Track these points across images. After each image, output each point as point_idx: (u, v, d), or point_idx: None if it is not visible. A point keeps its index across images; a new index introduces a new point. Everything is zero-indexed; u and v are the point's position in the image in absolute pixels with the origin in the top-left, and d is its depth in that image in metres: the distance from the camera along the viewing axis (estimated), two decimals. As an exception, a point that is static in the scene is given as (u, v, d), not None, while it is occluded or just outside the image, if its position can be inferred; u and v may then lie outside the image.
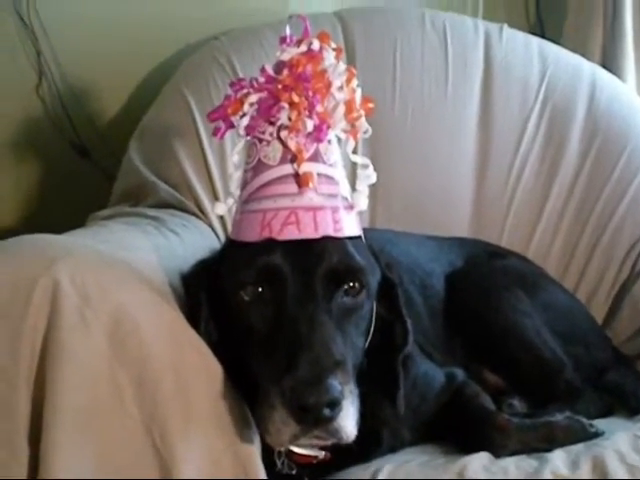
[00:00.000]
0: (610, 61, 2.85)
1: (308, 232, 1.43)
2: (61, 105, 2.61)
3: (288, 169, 1.45)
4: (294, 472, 1.60)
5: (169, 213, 2.06)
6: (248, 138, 1.49)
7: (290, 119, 1.43)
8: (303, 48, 1.48)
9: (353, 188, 1.52)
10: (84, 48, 2.58)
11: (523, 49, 2.61)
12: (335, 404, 1.31)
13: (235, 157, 1.52)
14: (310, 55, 1.46)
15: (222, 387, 1.43)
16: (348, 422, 1.35)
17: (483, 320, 2.01)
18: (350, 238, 1.48)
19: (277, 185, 1.45)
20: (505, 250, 2.40)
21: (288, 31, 1.51)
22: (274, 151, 1.46)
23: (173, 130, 2.27)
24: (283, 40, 1.51)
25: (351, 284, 1.46)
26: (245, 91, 1.47)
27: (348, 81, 1.49)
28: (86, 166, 2.64)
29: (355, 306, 1.47)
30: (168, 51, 2.66)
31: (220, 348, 1.49)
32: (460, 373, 1.86)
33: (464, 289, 2.07)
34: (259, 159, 1.47)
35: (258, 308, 1.43)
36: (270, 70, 1.48)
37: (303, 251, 1.42)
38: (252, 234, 1.45)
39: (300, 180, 1.44)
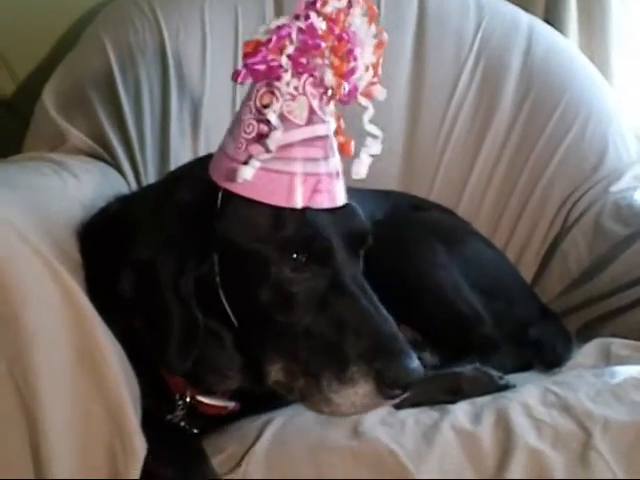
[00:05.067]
0: (553, 15, 2.78)
1: (335, 200, 1.42)
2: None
3: (317, 131, 1.39)
4: (195, 430, 1.57)
5: (76, 158, 1.98)
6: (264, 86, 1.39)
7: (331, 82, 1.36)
8: (344, 2, 1.38)
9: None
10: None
11: (459, -2, 2.54)
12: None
13: (273, 116, 1.36)
14: (347, 12, 1.37)
15: (92, 327, 1.35)
16: None
17: (398, 272, 1.95)
18: None
19: (304, 147, 1.39)
20: (430, 203, 2.35)
21: None
22: (300, 108, 1.37)
23: (88, 76, 2.18)
24: None
25: (364, 249, 1.49)
26: (286, 41, 1.36)
27: (379, 46, 1.42)
28: (6, 115, 2.54)
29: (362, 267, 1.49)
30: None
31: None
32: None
33: (380, 241, 2.00)
34: (282, 113, 1.37)
35: (304, 279, 1.39)
36: (316, 21, 1.36)
37: (337, 219, 1.41)
38: (276, 197, 1.38)
39: (341, 148, 1.43)
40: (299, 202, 1.38)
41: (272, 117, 1.36)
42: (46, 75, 2.30)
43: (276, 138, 1.35)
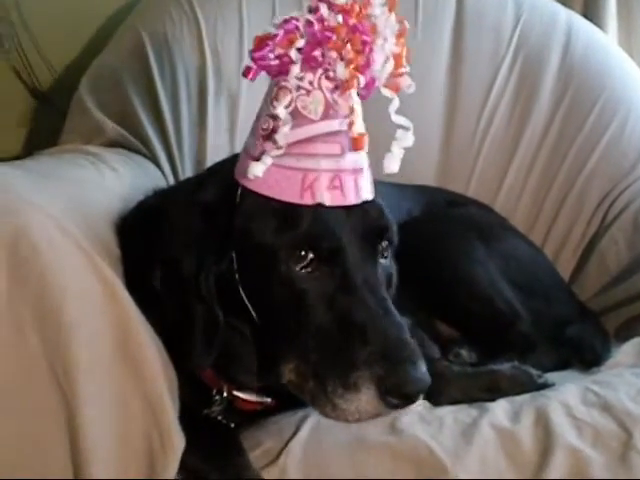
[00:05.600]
0: (591, 11, 2.74)
1: (351, 197, 1.38)
2: (20, 47, 2.52)
3: (333, 126, 1.36)
4: (232, 425, 1.56)
5: (113, 151, 1.98)
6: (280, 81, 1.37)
7: (344, 75, 1.32)
8: None
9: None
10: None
11: (497, -7, 2.51)
12: (426, 389, 1.31)
13: (282, 111, 1.34)
14: (364, 2, 1.35)
15: (132, 322, 1.35)
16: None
17: (435, 268, 1.94)
18: None
19: (319, 143, 1.36)
20: (467, 199, 2.34)
21: None
22: (315, 103, 1.35)
23: (125, 68, 2.18)
24: None
25: (385, 245, 1.44)
26: (295, 34, 1.34)
27: (400, 35, 1.37)
28: (44, 109, 2.56)
29: (388, 267, 1.46)
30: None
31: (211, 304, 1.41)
32: (405, 321, 1.78)
33: (417, 237, 1.98)
34: (296, 108, 1.35)
35: (312, 279, 1.37)
36: (326, 13, 1.34)
37: (351, 217, 1.37)
38: (289, 194, 1.36)
39: (353, 143, 1.35)
40: (311, 199, 1.35)
41: (280, 111, 1.34)
42: (83, 68, 2.31)
43: (284, 133, 1.34)
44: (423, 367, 1.30)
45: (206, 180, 1.53)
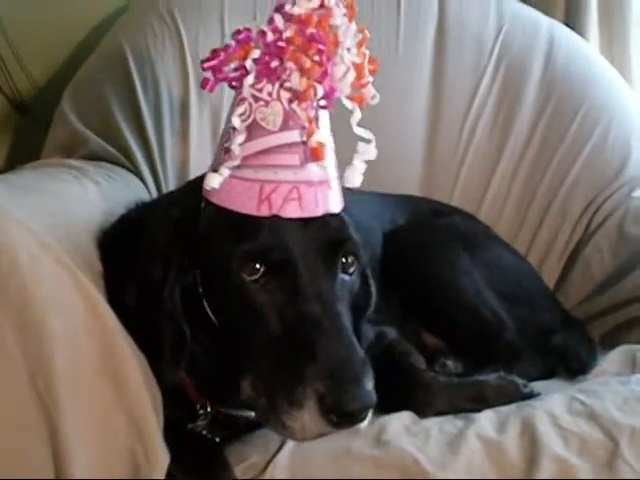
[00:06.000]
0: (573, 19, 2.74)
1: (310, 209, 1.35)
2: (0, 60, 2.50)
3: (291, 137, 1.34)
4: (217, 439, 1.55)
5: (96, 165, 1.96)
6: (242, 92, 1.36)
7: (299, 85, 1.31)
8: (315, 2, 1.34)
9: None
10: (24, 2, 2.47)
11: (479, 3, 2.53)
12: (371, 408, 1.28)
13: (237, 121, 1.34)
14: (321, 12, 1.33)
15: (114, 336, 1.34)
16: (370, 416, 1.32)
17: (420, 278, 1.94)
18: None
19: (278, 154, 1.35)
20: (452, 208, 2.34)
21: None
22: (274, 114, 1.34)
23: (107, 81, 2.18)
24: None
25: (349, 260, 1.40)
26: (251, 44, 1.34)
27: (360, 44, 1.36)
28: (25, 122, 2.53)
29: (352, 283, 1.42)
30: (112, 5, 2.54)
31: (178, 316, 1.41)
32: (391, 332, 1.79)
33: (402, 246, 1.99)
34: (254, 120, 1.35)
35: (264, 291, 1.34)
36: (280, 23, 1.34)
37: (308, 229, 1.35)
38: (247, 205, 1.34)
39: (311, 153, 1.33)
40: (268, 211, 1.33)
41: (234, 121, 1.34)
42: (65, 81, 2.30)
43: (237, 142, 1.33)
44: (368, 385, 1.27)
45: (181, 194, 1.53)
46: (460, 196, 2.46)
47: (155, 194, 2.08)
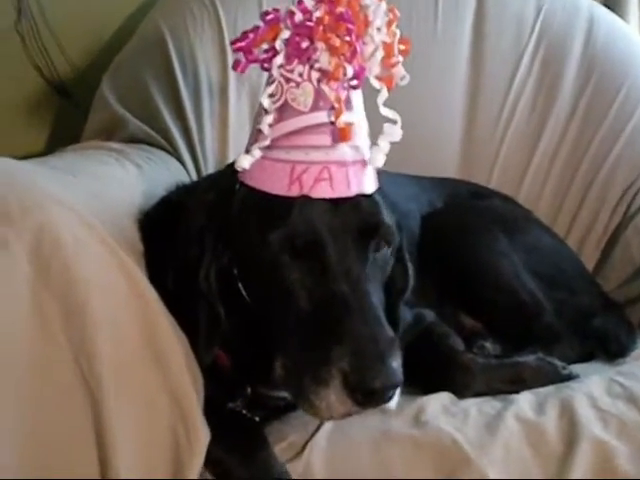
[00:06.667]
0: (613, 1, 2.74)
1: (341, 190, 1.34)
2: (41, 43, 2.52)
3: (321, 118, 1.33)
4: (257, 418, 1.55)
5: (136, 147, 1.99)
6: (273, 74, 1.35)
7: (329, 64, 1.30)
8: None
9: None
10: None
11: (518, -18, 2.49)
12: (397, 387, 1.27)
13: (267, 102, 1.34)
14: None
15: (157, 317, 1.36)
16: (398, 395, 1.32)
17: (459, 260, 1.93)
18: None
19: (309, 135, 1.34)
20: (490, 190, 2.32)
21: None
22: (305, 95, 1.33)
23: (146, 64, 2.19)
24: None
25: (382, 242, 1.39)
26: (280, 25, 1.33)
27: (390, 24, 1.34)
28: (66, 105, 2.56)
29: (384, 264, 1.42)
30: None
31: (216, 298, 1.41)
32: (429, 314, 1.79)
33: (440, 228, 1.99)
34: (286, 101, 1.34)
35: (293, 272, 1.34)
36: (309, 3, 1.32)
37: (339, 210, 1.34)
38: (278, 186, 1.34)
39: (339, 133, 1.32)
40: (298, 191, 1.33)
41: (265, 102, 1.34)
42: (105, 64, 2.31)
43: (267, 122, 1.33)
44: (394, 363, 1.26)
45: (220, 176, 1.54)
46: (499, 176, 2.44)
47: (194, 176, 2.10)
